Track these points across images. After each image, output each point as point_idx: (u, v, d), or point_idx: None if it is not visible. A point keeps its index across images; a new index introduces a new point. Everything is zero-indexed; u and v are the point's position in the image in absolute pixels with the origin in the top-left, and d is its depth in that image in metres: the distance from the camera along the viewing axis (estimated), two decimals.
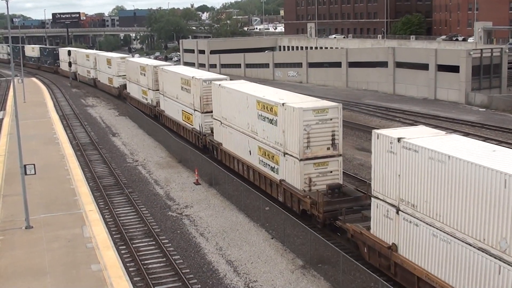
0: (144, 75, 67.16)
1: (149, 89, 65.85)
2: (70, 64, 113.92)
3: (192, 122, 50.15)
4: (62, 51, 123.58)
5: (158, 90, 61.75)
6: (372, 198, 25.01)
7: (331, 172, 31.28)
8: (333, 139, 31.13)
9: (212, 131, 45.78)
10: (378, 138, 24.16)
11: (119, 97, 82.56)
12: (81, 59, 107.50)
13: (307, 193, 30.66)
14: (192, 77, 48.87)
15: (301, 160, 30.83)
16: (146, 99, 67.36)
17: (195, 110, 48.87)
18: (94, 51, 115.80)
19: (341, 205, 28.88)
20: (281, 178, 33.24)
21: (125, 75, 78.88)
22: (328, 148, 31.13)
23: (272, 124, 33.79)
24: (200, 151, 46.24)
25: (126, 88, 78.38)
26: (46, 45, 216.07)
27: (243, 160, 38.84)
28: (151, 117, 63.68)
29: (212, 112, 45.19)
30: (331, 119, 30.93)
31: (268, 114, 34.17)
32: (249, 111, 37.07)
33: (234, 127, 39.96)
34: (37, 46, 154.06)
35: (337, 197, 29.86)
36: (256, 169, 36.89)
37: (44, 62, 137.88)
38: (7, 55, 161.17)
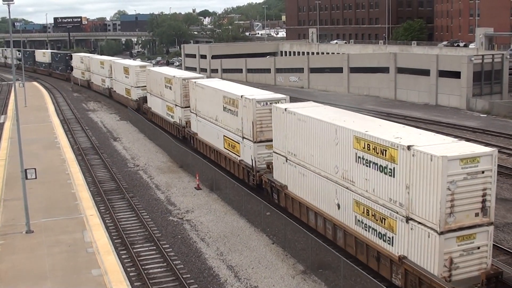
0: (170, 88, 57.16)
1: (176, 105, 55.92)
2: (71, 68, 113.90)
3: (239, 152, 40.06)
4: (75, 57, 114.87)
5: (189, 107, 51.79)
6: None
7: (478, 248, 22.06)
8: (483, 201, 22.02)
9: (269, 167, 36.20)
10: None
11: (138, 111, 71.04)
12: (95, 66, 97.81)
13: (452, 284, 21.49)
14: (241, 96, 38.91)
15: (441, 233, 21.39)
16: (172, 117, 57.60)
17: (244, 138, 39.06)
18: (109, 57, 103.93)
19: None
20: (401, 254, 23.45)
21: (145, 86, 69.53)
22: (477, 214, 21.94)
23: (385, 173, 24.04)
24: (234, 178, 39.25)
25: (146, 102, 68.90)
26: (47, 49, 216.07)
27: (325, 214, 29.16)
28: (179, 139, 54.39)
29: (269, 142, 36.04)
30: (482, 172, 21.71)
31: (378, 159, 24.40)
32: (339, 150, 27.35)
33: (310, 167, 30.29)
34: (48, 51, 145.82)
35: None
36: (350, 231, 27.11)
37: (56, 68, 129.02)
38: (17, 60, 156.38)
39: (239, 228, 33.02)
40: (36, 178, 32.14)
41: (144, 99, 70.05)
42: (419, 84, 79.86)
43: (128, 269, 27.32)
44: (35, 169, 31.81)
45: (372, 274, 24.70)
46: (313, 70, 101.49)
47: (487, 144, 48.71)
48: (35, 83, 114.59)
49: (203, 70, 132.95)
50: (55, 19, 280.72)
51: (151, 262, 28.55)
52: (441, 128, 58.12)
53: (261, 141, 37.34)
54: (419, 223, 22.24)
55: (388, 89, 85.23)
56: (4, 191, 37.65)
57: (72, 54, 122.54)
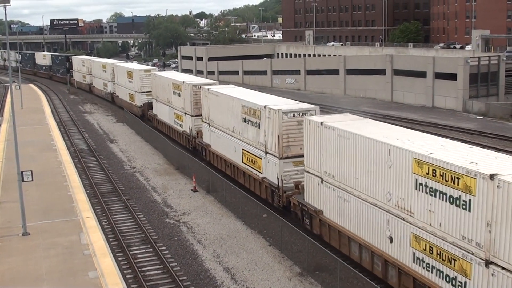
0: (179, 95, 53.21)
1: (185, 113, 51.91)
2: (68, 70, 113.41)
3: (262, 169, 36.05)
4: (76, 60, 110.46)
5: (200, 116, 48.19)
6: None
7: None
8: None
9: (298, 187, 32.30)
10: None
11: (142, 118, 67.89)
12: (97, 70, 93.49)
13: None
14: (264, 106, 34.94)
15: None
16: (181, 125, 53.57)
17: (267, 153, 34.97)
18: (112, 60, 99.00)
19: None
20: None
21: (150, 92, 65.80)
22: None
23: (457, 205, 20.07)
24: (255, 196, 35.81)
25: (151, 108, 64.97)
26: (43, 51, 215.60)
27: (373, 248, 24.98)
28: (189, 151, 50.48)
29: (297, 158, 32.69)
30: None
31: (447, 188, 20.42)
32: (393, 174, 23.32)
33: (353, 192, 25.85)
34: (48, 54, 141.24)
35: None
36: (406, 270, 22.98)
37: (56, 72, 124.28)
38: (16, 63, 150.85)
39: (235, 230, 33.00)
40: (32, 180, 32.10)
41: (149, 106, 66.14)
42: (415, 86, 79.95)
43: (125, 271, 27.28)
44: (31, 171, 31.77)
45: (369, 276, 24.71)
46: (309, 72, 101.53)
47: (483, 146, 48.79)
48: (31, 85, 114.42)
49: (199, 72, 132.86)
50: (52, 21, 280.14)
51: (148, 264, 28.52)
52: (437, 130, 58.17)
53: (287, 157, 33.13)
54: (504, 268, 18.37)
55: (384, 91, 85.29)
56: (0, 193, 37.57)
57: (72, 56, 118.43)
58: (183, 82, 52.08)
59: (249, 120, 37.50)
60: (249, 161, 38.11)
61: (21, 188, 30.62)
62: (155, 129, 60.45)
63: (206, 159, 46.56)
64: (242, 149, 38.88)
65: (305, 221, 30.79)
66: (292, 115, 33.20)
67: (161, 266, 28.25)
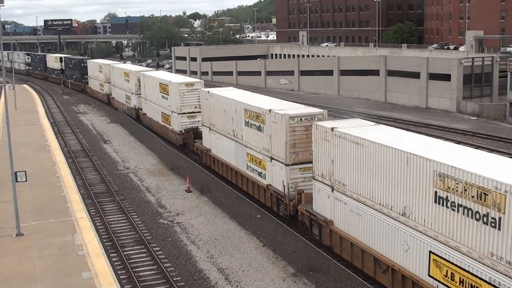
0: (259, 129, 35.01)
1: (272, 158, 33.47)
2: (62, 71, 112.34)
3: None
4: (92, 65, 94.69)
5: (300, 165, 31.55)
6: None
7: None
8: None
9: None
10: None
11: (183, 147, 51.50)
12: (117, 78, 75.63)
13: None
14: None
15: None
16: (262, 175, 35.26)
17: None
18: (137, 67, 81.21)
19: None
20: None
21: (193, 113, 50.62)
22: None
23: None
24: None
25: (199, 137, 47.42)
26: (37, 51, 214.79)
27: None
28: (274, 213, 33.05)
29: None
30: None
31: None
32: None
33: None
34: (60, 56, 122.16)
35: None
36: None
37: (70, 77, 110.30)
38: (25, 65, 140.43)
39: (229, 231, 33.03)
40: (26, 180, 32.01)
41: (195, 133, 49.22)
42: (409, 86, 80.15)
43: (119, 272, 27.29)
44: (25, 171, 31.69)
45: (363, 276, 24.76)
46: (303, 73, 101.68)
47: (477, 147, 48.92)
48: (25, 85, 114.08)
49: (193, 73, 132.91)
50: (46, 21, 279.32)
51: (142, 264, 28.52)
52: (431, 131, 58.30)
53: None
54: None
55: (378, 91, 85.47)
56: None
57: (87, 60, 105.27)
58: (270, 111, 33.32)
59: (460, 205, 19.49)
60: (446, 276, 20.32)
61: (14, 188, 30.56)
62: (207, 168, 43.59)
63: (321, 240, 28.94)
64: (431, 252, 20.98)
65: None
66: None
67: (155, 266, 28.25)
